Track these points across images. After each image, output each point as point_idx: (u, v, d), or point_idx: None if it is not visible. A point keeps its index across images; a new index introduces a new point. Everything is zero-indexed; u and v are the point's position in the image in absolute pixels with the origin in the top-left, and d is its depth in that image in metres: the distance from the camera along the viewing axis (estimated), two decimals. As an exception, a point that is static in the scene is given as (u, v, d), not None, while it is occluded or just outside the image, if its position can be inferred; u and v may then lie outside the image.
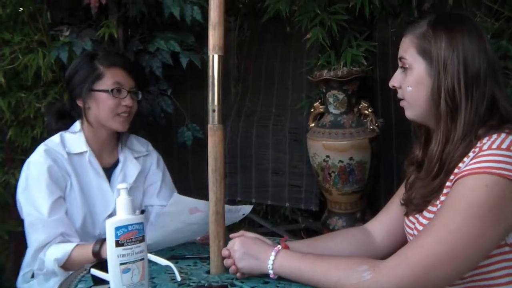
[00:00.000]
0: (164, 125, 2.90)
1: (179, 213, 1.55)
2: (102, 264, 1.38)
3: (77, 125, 2.04)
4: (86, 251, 1.76)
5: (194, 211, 1.55)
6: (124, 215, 1.27)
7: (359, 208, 2.71)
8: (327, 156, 2.57)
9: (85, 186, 1.99)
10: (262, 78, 3.18)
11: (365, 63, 2.56)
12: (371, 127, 2.59)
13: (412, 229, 1.43)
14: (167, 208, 1.57)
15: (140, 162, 2.14)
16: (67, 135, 2.02)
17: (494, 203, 1.18)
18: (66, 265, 1.81)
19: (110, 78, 1.98)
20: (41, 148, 1.95)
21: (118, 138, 2.12)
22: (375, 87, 2.88)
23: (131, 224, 1.25)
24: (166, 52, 2.72)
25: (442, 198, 1.30)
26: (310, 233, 3.05)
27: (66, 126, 2.05)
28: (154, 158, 2.20)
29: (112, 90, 1.96)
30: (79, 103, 2.01)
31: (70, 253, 1.79)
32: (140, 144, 2.19)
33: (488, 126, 1.28)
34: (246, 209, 1.66)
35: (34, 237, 1.87)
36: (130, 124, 2.06)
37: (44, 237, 1.84)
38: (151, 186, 2.14)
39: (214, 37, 1.45)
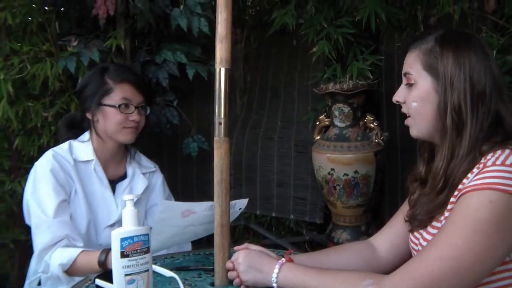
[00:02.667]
0: (170, 136, 2.91)
1: (172, 218, 1.55)
2: (107, 275, 1.38)
3: (86, 135, 2.06)
4: (91, 259, 1.76)
5: (187, 214, 1.55)
6: (129, 226, 1.27)
7: (363, 221, 2.71)
8: (332, 169, 2.58)
9: (89, 194, 2.00)
10: (268, 90, 3.19)
11: (371, 77, 2.57)
12: (376, 140, 2.60)
13: (416, 244, 1.42)
14: (158, 215, 1.58)
15: (147, 177, 2.15)
16: (75, 143, 2.04)
17: (498, 219, 1.18)
18: (70, 270, 1.81)
19: (118, 93, 1.99)
20: (49, 153, 1.98)
21: (126, 152, 2.13)
22: (380, 101, 2.89)
23: (137, 236, 1.26)
24: (173, 63, 2.73)
25: (446, 213, 1.30)
26: (315, 245, 3.05)
27: (75, 136, 2.07)
28: (160, 177, 2.21)
29: (119, 106, 1.97)
30: (88, 115, 2.02)
31: (75, 258, 1.80)
32: (148, 161, 2.20)
33: (492, 142, 1.28)
34: (242, 203, 1.65)
35: (39, 238, 1.88)
36: (137, 137, 2.07)
37: (49, 238, 1.85)
38: (155, 206, 2.14)
39: (221, 50, 1.45)
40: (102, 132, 2.02)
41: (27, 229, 2.05)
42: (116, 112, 1.97)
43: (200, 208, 1.52)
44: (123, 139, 2.02)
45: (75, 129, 2.09)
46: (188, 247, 2.04)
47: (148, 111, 2.08)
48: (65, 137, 2.10)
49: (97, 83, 2.01)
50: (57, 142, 2.13)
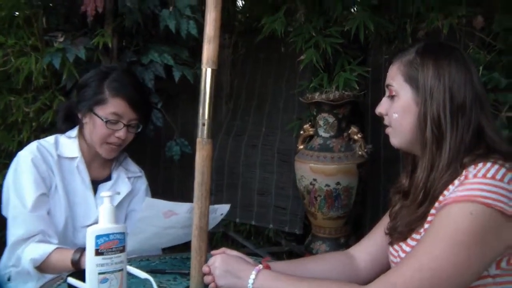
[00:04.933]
0: (153, 138, 2.88)
1: (153, 217, 1.53)
2: (79, 274, 1.36)
3: (74, 131, 2.03)
4: (65, 257, 1.73)
5: (169, 214, 1.53)
6: (106, 223, 1.25)
7: (343, 233, 2.69)
8: (314, 179, 2.56)
9: (70, 192, 1.98)
10: (255, 97, 3.18)
11: (357, 88, 2.57)
12: (359, 152, 2.59)
13: (396, 257, 1.42)
14: (140, 213, 1.56)
15: (131, 181, 2.12)
16: (62, 138, 2.01)
17: (478, 231, 1.18)
18: (42, 267, 1.79)
19: (110, 107, 1.93)
20: (33, 144, 1.96)
21: None
22: (366, 113, 2.89)
23: (113, 234, 1.24)
24: (160, 65, 2.71)
25: (426, 225, 1.30)
26: (293, 256, 3.02)
27: (70, 126, 2.04)
28: (144, 184, 2.18)
29: (107, 121, 1.93)
30: (79, 115, 1.99)
31: (48, 255, 1.77)
32: (134, 166, 2.17)
33: (474, 155, 1.28)
34: (224, 208, 1.64)
35: (13, 231, 1.85)
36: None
37: (23, 231, 1.82)
38: (134, 212, 2.11)
39: (208, 50, 1.44)
40: (87, 136, 1.99)
41: (2, 224, 2.02)
42: (103, 125, 1.94)
43: (182, 209, 1.50)
44: (103, 153, 1.99)
45: (70, 121, 2.06)
46: (159, 252, 2.01)
47: (139, 129, 2.04)
48: (60, 125, 2.08)
49: (94, 88, 1.96)
50: (37, 138, 2.10)
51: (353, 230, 2.78)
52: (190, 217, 1.51)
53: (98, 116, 1.93)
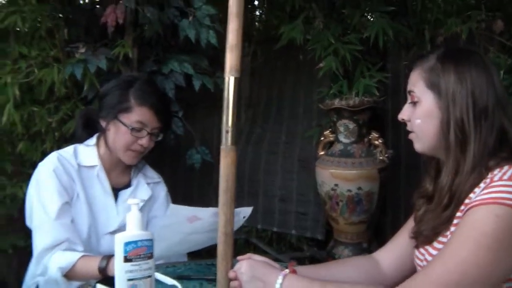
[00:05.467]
0: (173, 147, 2.90)
1: (178, 223, 1.54)
2: (107, 281, 1.38)
3: (93, 139, 2.05)
4: (92, 264, 1.75)
5: (193, 220, 1.53)
6: (134, 230, 1.26)
7: (365, 238, 2.69)
8: (335, 185, 2.57)
9: (91, 199, 2.00)
10: (273, 105, 3.19)
11: (377, 94, 2.57)
12: (380, 157, 2.59)
13: (422, 260, 1.42)
14: (165, 219, 1.57)
15: (150, 187, 2.14)
16: (80, 147, 2.04)
17: (505, 234, 1.18)
18: (69, 275, 1.80)
19: (135, 115, 1.96)
20: (53, 155, 1.98)
21: None
22: (386, 118, 2.89)
23: (141, 240, 1.25)
24: (180, 74, 2.73)
25: (452, 228, 1.30)
26: (315, 261, 3.02)
27: (89, 136, 2.06)
28: (164, 189, 2.20)
29: (132, 129, 1.96)
30: (102, 122, 2.02)
31: (75, 263, 1.79)
32: (153, 172, 2.19)
33: (499, 157, 1.29)
34: (247, 211, 1.64)
35: (39, 239, 1.87)
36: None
37: (50, 240, 1.84)
38: (155, 218, 2.12)
39: (231, 59, 1.45)
40: (110, 143, 2.01)
41: (27, 235, 2.04)
42: (127, 132, 1.96)
43: (206, 214, 1.51)
44: (125, 160, 2.01)
45: (90, 128, 2.09)
46: (184, 258, 2.02)
47: (160, 138, 2.06)
48: (79, 133, 2.10)
49: (119, 96, 1.99)
50: (60, 148, 2.13)
51: (374, 235, 2.77)
52: (214, 222, 1.52)
53: (123, 124, 1.96)
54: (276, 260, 1.56)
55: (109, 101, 2.00)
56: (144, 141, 1.98)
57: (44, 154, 2.50)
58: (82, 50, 2.66)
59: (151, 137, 2.00)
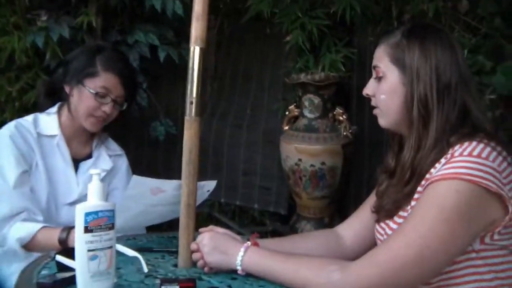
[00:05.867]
0: (137, 119, 2.87)
1: (140, 195, 1.53)
2: (67, 252, 1.35)
3: (54, 108, 2.02)
4: (52, 236, 1.73)
5: (156, 192, 1.52)
6: (95, 200, 1.24)
7: (328, 213, 2.71)
8: (299, 160, 2.58)
9: (50, 169, 1.97)
10: (239, 78, 3.18)
11: (343, 69, 2.57)
12: (344, 133, 2.61)
13: (382, 235, 1.44)
14: (127, 191, 1.55)
15: (112, 159, 2.12)
16: (41, 116, 2.01)
17: (464, 208, 1.20)
18: (29, 246, 1.78)
19: (101, 80, 1.94)
20: (12, 123, 1.95)
21: (93, 133, 2.09)
22: (351, 94, 2.90)
23: (102, 211, 1.23)
24: (145, 45, 2.70)
25: (412, 203, 1.32)
26: (278, 236, 3.01)
27: (52, 105, 2.02)
28: (125, 162, 2.17)
29: (96, 93, 1.93)
30: (66, 88, 1.98)
31: (34, 234, 1.76)
32: (115, 145, 2.17)
33: (460, 134, 1.31)
34: (211, 185, 1.63)
35: None
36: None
37: (7, 209, 1.81)
38: (116, 190, 2.10)
39: (197, 29, 1.43)
40: (73, 109, 1.98)
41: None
42: (91, 97, 1.93)
43: (170, 186, 1.50)
44: (87, 126, 1.98)
45: (52, 97, 2.05)
46: (143, 231, 2.01)
47: (124, 107, 2.03)
48: (42, 101, 2.07)
49: (86, 61, 1.96)
50: (20, 117, 2.08)
51: (337, 211, 2.80)
52: (177, 195, 1.51)
53: (88, 88, 1.93)
54: (238, 233, 1.56)
55: (75, 66, 1.98)
56: (107, 108, 1.95)
57: (3, 124, 2.43)
58: (44, 18, 2.61)
59: (115, 105, 1.98)
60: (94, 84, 1.94)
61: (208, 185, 1.61)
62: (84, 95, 1.94)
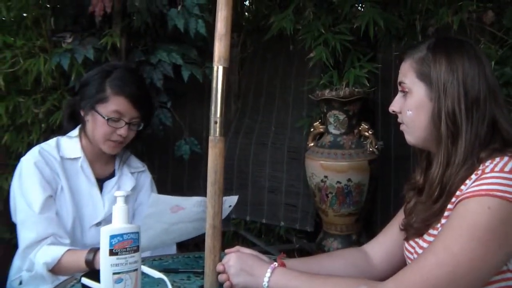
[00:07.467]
0: (162, 138, 2.88)
1: (160, 213, 1.51)
2: (93, 274, 1.35)
3: (76, 130, 2.02)
4: (78, 258, 1.72)
5: (176, 209, 1.51)
6: (119, 223, 1.24)
7: (355, 230, 2.68)
8: (325, 177, 2.55)
9: (76, 192, 1.97)
10: (263, 96, 3.17)
11: (368, 85, 2.55)
12: (370, 149, 2.58)
13: (412, 253, 1.40)
14: (147, 210, 1.53)
15: (135, 176, 2.12)
16: (63, 139, 2.01)
17: (496, 226, 1.16)
18: (56, 269, 1.77)
19: (112, 105, 1.92)
20: (35, 149, 1.95)
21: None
22: (376, 110, 2.88)
23: (127, 233, 1.22)
24: (168, 64, 2.70)
25: (443, 221, 1.28)
26: (304, 254, 3.02)
27: (74, 127, 2.03)
28: (148, 177, 2.17)
29: (109, 119, 1.92)
30: (82, 113, 1.99)
31: (60, 257, 1.76)
32: (137, 161, 2.17)
33: (490, 149, 1.27)
34: (232, 200, 1.60)
35: (24, 234, 1.84)
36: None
37: (34, 235, 1.81)
38: (142, 205, 2.10)
39: (219, 48, 1.42)
40: (89, 134, 1.99)
41: (12, 227, 2.02)
42: (104, 123, 1.93)
43: (189, 203, 1.49)
44: (106, 150, 1.98)
45: (74, 120, 2.05)
46: (173, 250, 2.00)
47: (141, 127, 2.02)
48: (65, 124, 2.07)
49: (96, 86, 1.95)
50: (46, 139, 2.10)
51: (364, 227, 2.76)
52: (198, 212, 1.50)
53: (100, 114, 1.93)
54: (265, 252, 1.54)
55: (87, 92, 1.97)
56: (123, 131, 1.94)
57: (30, 146, 2.47)
58: (69, 40, 2.63)
59: (130, 126, 1.97)
60: (106, 110, 1.92)
61: (230, 200, 1.59)
62: (98, 121, 1.94)
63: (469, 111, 1.29)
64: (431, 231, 1.33)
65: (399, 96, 1.42)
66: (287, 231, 3.16)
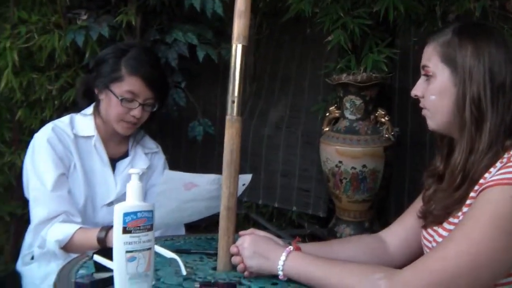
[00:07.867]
0: (175, 118, 2.85)
1: (174, 190, 1.49)
2: (105, 252, 1.33)
3: (90, 108, 2.01)
4: (90, 236, 1.72)
5: (190, 187, 1.48)
6: (134, 201, 1.21)
7: (368, 217, 2.65)
8: (340, 162, 2.52)
9: (88, 170, 1.96)
10: (278, 79, 3.14)
11: (386, 70, 2.51)
12: (386, 135, 2.54)
13: (430, 241, 1.37)
14: (160, 186, 1.51)
15: (148, 157, 2.10)
16: (77, 117, 2.00)
17: None
18: (67, 247, 1.78)
19: (126, 85, 1.90)
20: (49, 125, 1.94)
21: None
22: (393, 96, 2.84)
23: (141, 211, 1.20)
24: (183, 44, 2.67)
25: (465, 209, 1.25)
26: (316, 239, 2.99)
27: (88, 104, 2.01)
28: (162, 159, 2.16)
29: (122, 99, 1.90)
30: (96, 91, 1.97)
31: (72, 235, 1.76)
32: (151, 141, 2.15)
33: None
34: (246, 178, 1.58)
35: (36, 212, 1.84)
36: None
37: (46, 212, 1.81)
38: (154, 187, 2.08)
39: (239, 26, 1.40)
40: (103, 113, 1.97)
41: (25, 203, 2.02)
42: (118, 103, 1.91)
43: (203, 181, 1.47)
44: (119, 130, 1.96)
45: (89, 96, 2.03)
46: (182, 232, 1.98)
47: (155, 109, 2.00)
48: (80, 101, 2.06)
49: (112, 65, 1.93)
50: (59, 116, 2.08)
51: (377, 214, 2.73)
52: (212, 190, 1.47)
53: (114, 94, 1.90)
54: (277, 236, 1.51)
55: (102, 70, 1.95)
56: (136, 112, 1.92)
57: (43, 122, 2.46)
58: (84, 17, 2.61)
59: (144, 107, 1.95)
60: (120, 89, 1.90)
61: (244, 179, 1.55)
62: (112, 101, 1.92)
63: (494, 97, 1.26)
64: (451, 219, 1.30)
65: (422, 80, 1.39)
66: (299, 216, 3.14)
